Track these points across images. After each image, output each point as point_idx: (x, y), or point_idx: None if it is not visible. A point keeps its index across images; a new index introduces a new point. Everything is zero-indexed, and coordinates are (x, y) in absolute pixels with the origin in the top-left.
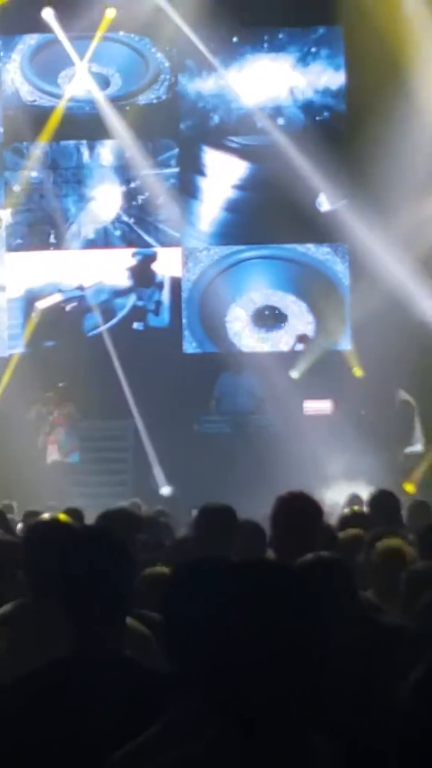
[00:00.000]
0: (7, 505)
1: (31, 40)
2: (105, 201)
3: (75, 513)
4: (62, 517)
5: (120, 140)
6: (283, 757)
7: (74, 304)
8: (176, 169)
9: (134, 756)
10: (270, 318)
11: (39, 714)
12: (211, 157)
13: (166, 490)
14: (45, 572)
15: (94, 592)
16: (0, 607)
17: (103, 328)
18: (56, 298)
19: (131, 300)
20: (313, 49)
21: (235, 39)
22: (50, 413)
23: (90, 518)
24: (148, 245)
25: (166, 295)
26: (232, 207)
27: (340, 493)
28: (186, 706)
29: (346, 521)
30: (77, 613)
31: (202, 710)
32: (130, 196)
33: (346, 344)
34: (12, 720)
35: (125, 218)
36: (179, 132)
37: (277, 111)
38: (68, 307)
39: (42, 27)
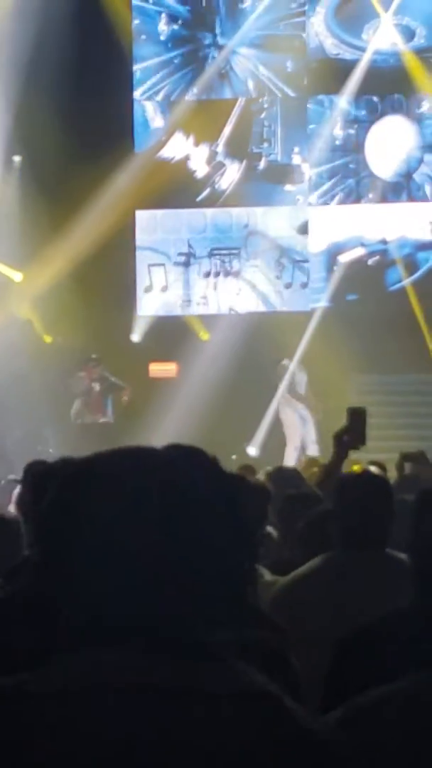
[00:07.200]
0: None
1: None
2: (408, 154)
3: (381, 465)
4: (373, 469)
5: (425, 93)
6: None
7: (377, 257)
8: None
9: None
10: None
11: None
12: None
13: None
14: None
15: None
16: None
17: (406, 282)
18: (359, 251)
19: None
20: None
21: None
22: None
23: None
24: None
25: None
26: None
27: None
28: None
29: None
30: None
31: None
32: None
33: None
34: None
35: (429, 171)
36: None
37: None
38: (371, 261)
39: None
